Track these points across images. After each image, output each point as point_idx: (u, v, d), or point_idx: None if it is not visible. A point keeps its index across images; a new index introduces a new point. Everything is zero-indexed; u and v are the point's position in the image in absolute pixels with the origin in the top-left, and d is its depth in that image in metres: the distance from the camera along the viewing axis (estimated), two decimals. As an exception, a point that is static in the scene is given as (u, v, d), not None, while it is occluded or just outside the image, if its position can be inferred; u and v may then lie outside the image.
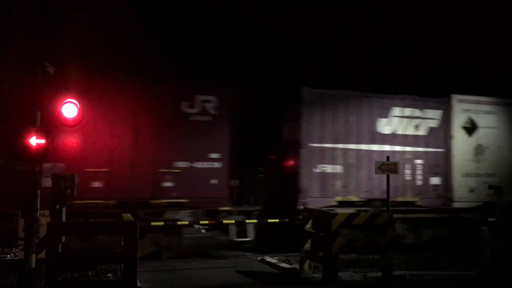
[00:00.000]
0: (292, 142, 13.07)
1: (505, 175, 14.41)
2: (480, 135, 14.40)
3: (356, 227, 10.13)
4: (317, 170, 12.76)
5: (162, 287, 9.12)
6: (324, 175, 12.82)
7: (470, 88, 15.55)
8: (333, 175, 12.90)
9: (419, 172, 13.74)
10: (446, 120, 14.15)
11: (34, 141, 8.20)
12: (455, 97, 14.33)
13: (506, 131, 14.77)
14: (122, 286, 8.20)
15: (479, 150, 14.31)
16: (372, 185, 13.16)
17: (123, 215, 10.41)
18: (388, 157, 11.67)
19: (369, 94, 13.68)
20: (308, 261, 10.09)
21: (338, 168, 12.96)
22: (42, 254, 8.05)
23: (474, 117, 14.39)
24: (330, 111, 13.06)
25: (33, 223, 8.18)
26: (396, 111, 13.70)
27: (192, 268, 10.61)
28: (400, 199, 13.36)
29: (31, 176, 8.32)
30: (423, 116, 13.94)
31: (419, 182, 13.71)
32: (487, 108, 14.61)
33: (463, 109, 14.33)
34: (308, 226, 10.18)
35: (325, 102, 13.04)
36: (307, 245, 10.07)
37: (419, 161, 13.76)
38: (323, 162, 12.84)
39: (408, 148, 13.70)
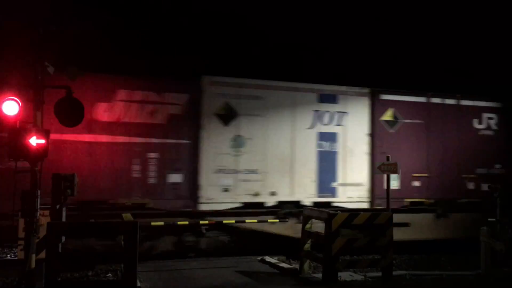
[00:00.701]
0: None
1: (274, 171, 12.44)
2: (241, 124, 12.23)
3: (356, 227, 10.10)
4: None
5: (162, 287, 9.12)
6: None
7: (233, 70, 13.36)
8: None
9: (152, 168, 11.52)
10: (194, 106, 11.91)
11: (34, 141, 8.21)
12: (208, 79, 12.07)
13: (276, 119, 12.61)
14: (122, 286, 8.21)
15: (238, 142, 12.16)
16: (83, 185, 10.82)
17: (123, 215, 10.46)
18: (388, 157, 11.60)
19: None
20: (308, 261, 10.10)
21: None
22: (42, 254, 8.06)
23: (234, 102, 12.18)
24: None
25: (33, 223, 8.19)
26: (123, 94, 11.36)
27: (192, 268, 10.60)
28: (123, 201, 11.30)
29: (32, 176, 8.33)
30: (161, 100, 11.67)
31: (152, 180, 11.50)
32: (252, 92, 12.41)
33: (218, 93, 12.10)
34: (308, 226, 10.19)
35: None
36: (307, 245, 10.09)
37: (153, 155, 11.52)
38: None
39: (137, 139, 11.41)
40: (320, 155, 12.82)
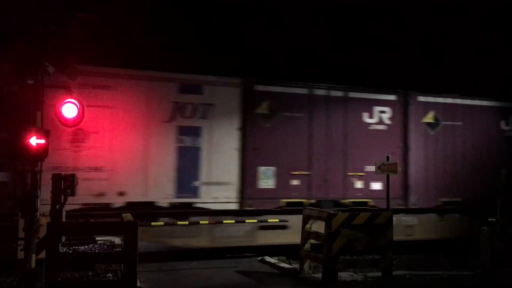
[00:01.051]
0: None
1: (123, 169, 11.20)
2: (87, 118, 10.53)
3: (356, 227, 10.12)
4: None
5: (162, 287, 9.12)
6: None
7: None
8: None
9: None
10: (26, 96, 10.05)
11: (34, 141, 8.22)
12: (44, 66, 10.82)
13: (128, 112, 11.37)
14: (122, 286, 8.21)
15: (79, 136, 10.98)
16: None
17: (123, 215, 10.43)
18: (388, 157, 11.58)
19: None
20: (308, 261, 10.10)
21: None
22: (42, 254, 8.06)
23: (75, 92, 10.81)
24: None
25: (33, 223, 8.20)
26: None
27: (192, 268, 10.60)
28: None
29: (32, 176, 8.34)
30: None
31: None
32: (98, 81, 11.21)
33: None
34: (308, 226, 10.19)
35: None
36: (307, 245, 10.09)
37: None
38: None
39: None
40: (180, 151, 11.64)
